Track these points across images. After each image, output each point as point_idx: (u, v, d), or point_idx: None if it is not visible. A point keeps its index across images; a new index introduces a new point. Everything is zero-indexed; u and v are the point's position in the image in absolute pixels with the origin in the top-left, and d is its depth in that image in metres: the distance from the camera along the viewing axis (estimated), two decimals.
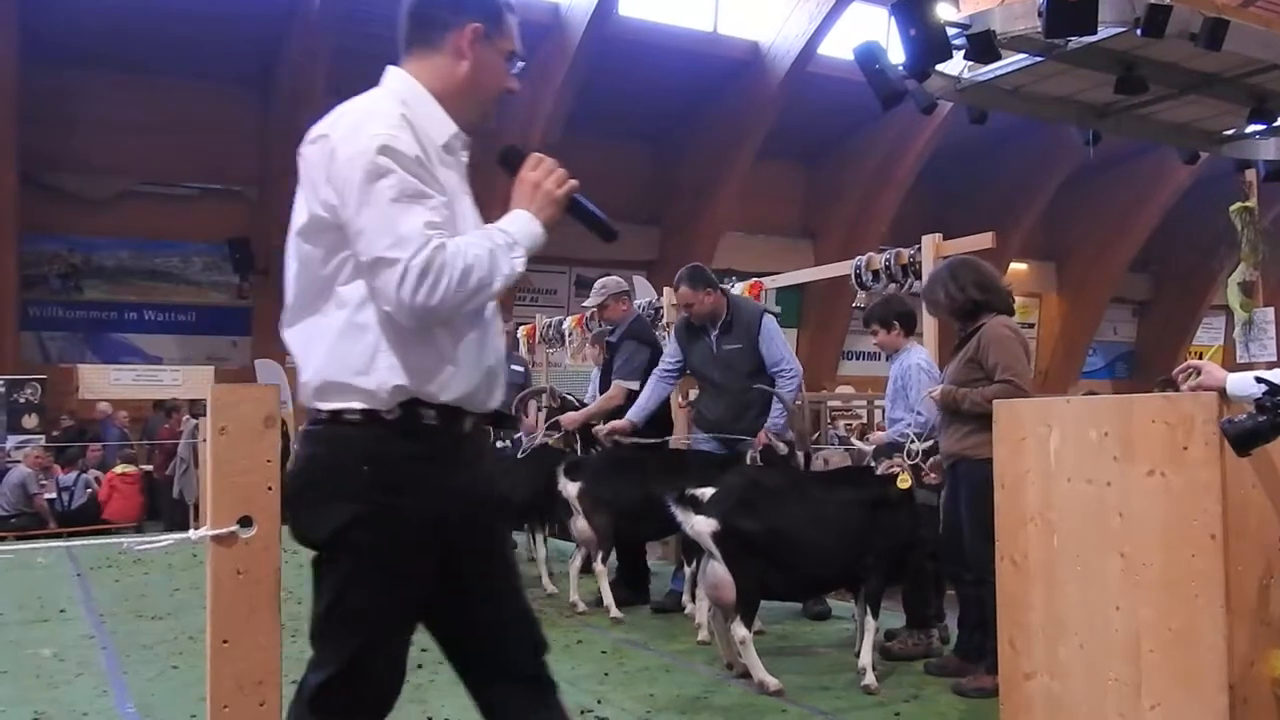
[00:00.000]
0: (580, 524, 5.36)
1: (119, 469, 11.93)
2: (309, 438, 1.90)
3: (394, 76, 2.00)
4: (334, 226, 1.80)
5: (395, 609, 1.88)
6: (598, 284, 6.27)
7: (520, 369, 7.66)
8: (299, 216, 1.88)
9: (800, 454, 5.29)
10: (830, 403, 15.34)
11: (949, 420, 4.12)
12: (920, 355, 4.93)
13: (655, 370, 5.69)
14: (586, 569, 5.49)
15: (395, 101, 1.89)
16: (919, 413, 4.56)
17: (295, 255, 1.91)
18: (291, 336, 1.94)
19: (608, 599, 5.33)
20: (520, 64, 2.09)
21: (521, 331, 10.02)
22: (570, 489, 5.36)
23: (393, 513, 1.81)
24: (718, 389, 5.48)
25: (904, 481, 4.21)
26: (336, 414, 1.84)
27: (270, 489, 1.82)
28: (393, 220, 1.73)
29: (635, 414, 5.58)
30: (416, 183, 1.77)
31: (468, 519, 1.91)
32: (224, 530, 1.79)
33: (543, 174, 1.99)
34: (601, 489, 5.33)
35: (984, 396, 3.85)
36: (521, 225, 1.92)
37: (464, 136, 2.01)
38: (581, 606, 5.46)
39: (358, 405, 1.82)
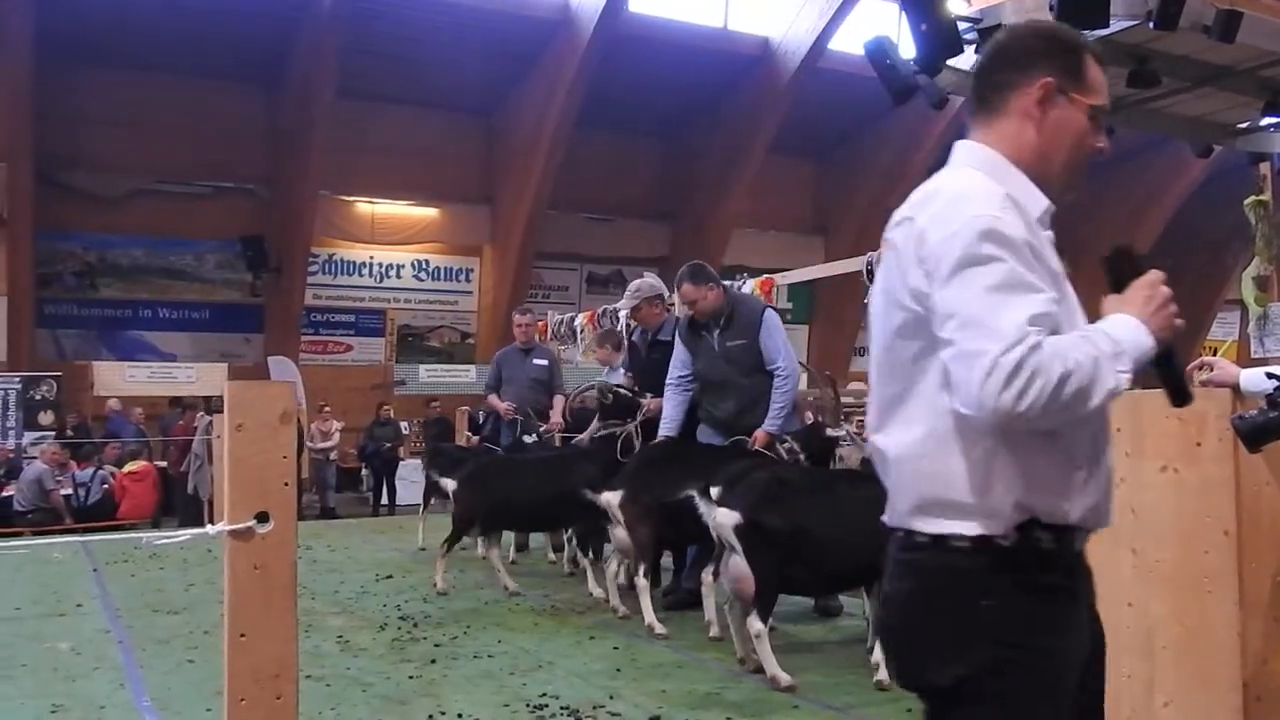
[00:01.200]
0: (620, 534, 5.14)
1: (128, 466, 12.00)
2: (905, 569, 1.67)
3: (966, 150, 1.75)
4: (927, 321, 1.58)
5: None
6: (632, 286, 6.19)
7: (544, 363, 7.54)
8: (886, 311, 1.67)
9: (841, 437, 5.25)
10: (843, 399, 15.33)
11: None
12: None
13: (670, 382, 5.59)
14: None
15: (988, 179, 1.65)
16: None
17: (883, 350, 1.70)
18: (882, 442, 1.71)
19: (649, 616, 4.94)
20: (1107, 124, 1.82)
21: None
22: (611, 498, 5.13)
23: (1028, 655, 1.57)
24: (724, 387, 5.45)
25: None
26: (939, 539, 1.61)
27: (286, 485, 1.84)
28: (990, 310, 1.49)
29: (669, 428, 5.53)
30: (1024, 273, 1.53)
31: (1083, 659, 1.68)
32: (241, 525, 1.81)
33: (1163, 296, 1.65)
34: (641, 494, 5.08)
35: None
36: (1131, 334, 1.57)
37: (1053, 211, 1.75)
38: (622, 610, 5.25)
39: (968, 529, 1.58)
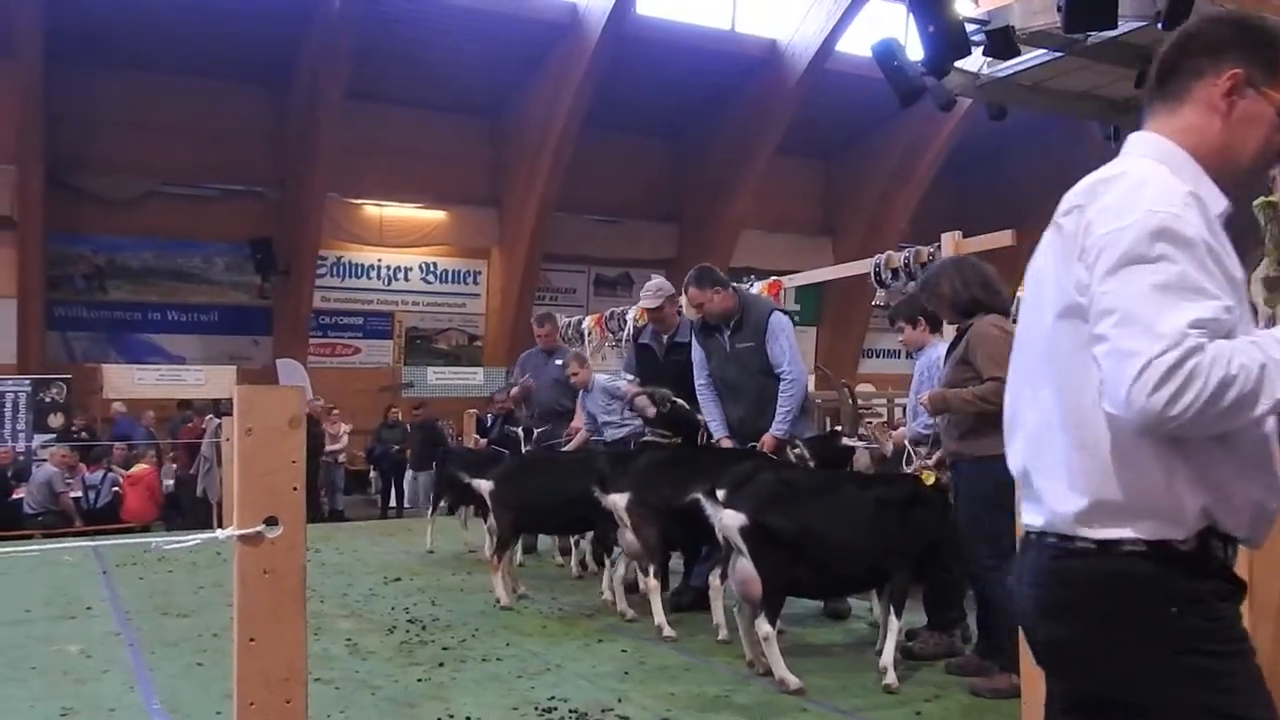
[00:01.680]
0: (628, 537, 5.11)
1: (131, 469, 12.03)
2: (1064, 577, 1.57)
3: (1144, 142, 1.65)
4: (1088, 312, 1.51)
5: None
6: (653, 284, 6.10)
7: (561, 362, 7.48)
8: (1044, 297, 1.61)
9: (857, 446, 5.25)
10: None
11: (948, 421, 4.12)
12: (939, 352, 4.92)
13: (699, 384, 5.60)
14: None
15: (1169, 173, 1.55)
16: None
17: (1037, 338, 1.63)
18: (1028, 440, 1.64)
19: (659, 618, 4.95)
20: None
21: None
22: (618, 501, 5.10)
23: (1229, 663, 1.50)
24: (735, 389, 5.46)
25: (929, 477, 4.21)
26: (1107, 544, 1.52)
27: (295, 489, 1.84)
28: (1152, 310, 1.41)
29: (717, 429, 5.53)
30: (1196, 276, 1.44)
31: None
32: (250, 530, 1.81)
33: None
34: (649, 497, 5.07)
35: (972, 395, 3.88)
36: None
37: (1230, 213, 1.63)
38: (630, 614, 5.26)
39: (1145, 533, 1.49)
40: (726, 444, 5.44)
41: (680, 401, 5.71)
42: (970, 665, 4.22)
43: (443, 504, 7.94)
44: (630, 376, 6.23)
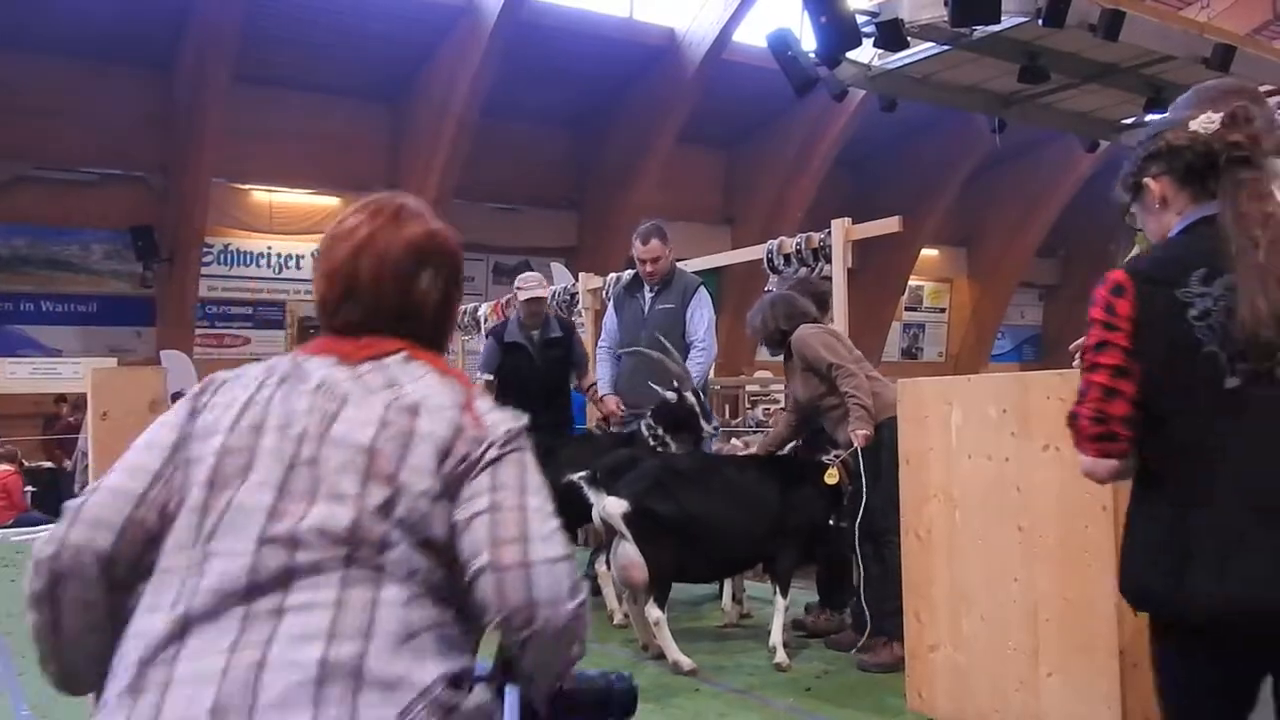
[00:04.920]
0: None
1: None
2: None
3: None
4: None
5: None
6: (530, 276, 5.95)
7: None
8: None
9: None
10: (748, 387, 15.51)
11: (843, 413, 4.20)
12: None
13: (600, 346, 5.70)
14: None
15: None
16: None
17: None
18: None
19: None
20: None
21: None
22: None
23: None
24: (637, 357, 5.32)
25: (832, 477, 4.23)
26: None
27: None
28: None
29: (605, 388, 5.57)
30: None
31: None
32: None
33: None
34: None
35: (853, 402, 4.08)
36: None
37: None
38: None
39: None
40: (610, 403, 5.48)
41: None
42: (846, 640, 4.33)
43: None
44: (488, 376, 5.73)
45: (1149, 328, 1.61)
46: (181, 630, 1.16)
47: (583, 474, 4.22)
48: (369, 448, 1.27)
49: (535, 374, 5.66)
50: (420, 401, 1.32)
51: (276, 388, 1.35)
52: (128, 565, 1.24)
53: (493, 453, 1.30)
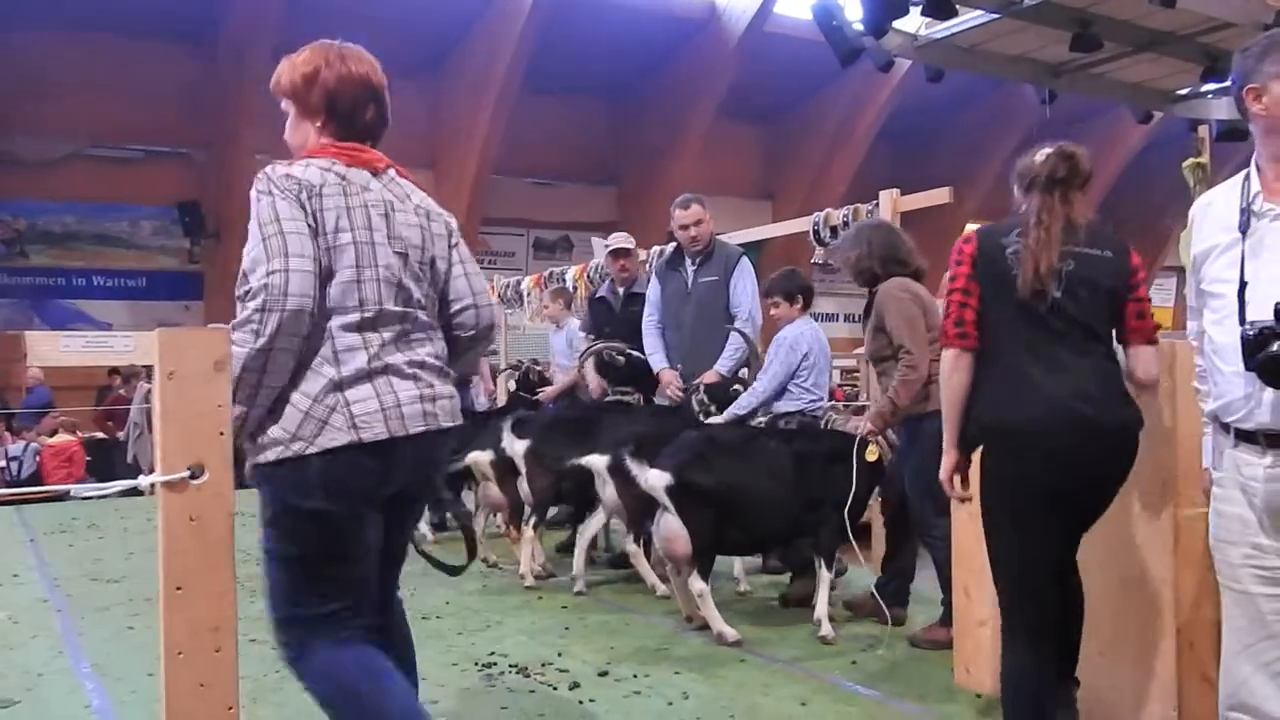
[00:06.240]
0: (492, 490, 5.41)
1: (53, 438, 11.57)
2: None
3: None
4: None
5: None
6: (614, 236, 6.20)
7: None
8: None
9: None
10: None
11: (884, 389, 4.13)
12: (798, 331, 4.83)
13: (646, 320, 5.56)
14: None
15: None
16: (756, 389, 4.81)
17: None
18: None
19: (524, 566, 5.19)
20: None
21: None
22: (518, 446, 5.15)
23: None
24: (685, 329, 5.35)
25: (872, 453, 4.15)
26: None
27: (221, 434, 1.79)
28: None
29: (660, 361, 5.48)
30: None
31: None
32: (175, 477, 1.76)
33: None
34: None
35: (897, 389, 3.92)
36: None
37: None
38: (493, 559, 5.51)
39: None
40: (667, 375, 5.39)
41: (635, 352, 5.58)
42: (866, 607, 4.36)
43: None
44: (590, 336, 6.06)
45: (984, 261, 2.60)
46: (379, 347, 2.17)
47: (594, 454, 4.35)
48: (420, 245, 2.28)
49: (617, 329, 5.83)
50: (429, 209, 2.37)
51: (358, 197, 2.25)
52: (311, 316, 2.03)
53: (456, 237, 2.41)
